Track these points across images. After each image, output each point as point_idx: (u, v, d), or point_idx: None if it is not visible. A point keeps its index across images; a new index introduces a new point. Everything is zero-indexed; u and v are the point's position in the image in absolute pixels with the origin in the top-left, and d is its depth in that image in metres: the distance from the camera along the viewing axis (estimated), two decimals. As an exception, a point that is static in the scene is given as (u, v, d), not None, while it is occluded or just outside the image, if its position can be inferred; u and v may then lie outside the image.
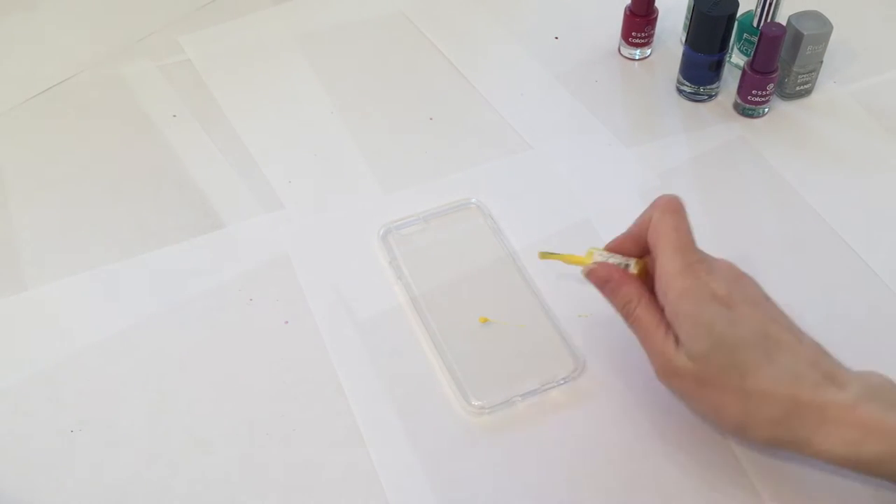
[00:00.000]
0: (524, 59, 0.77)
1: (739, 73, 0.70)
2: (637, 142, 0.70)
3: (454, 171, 0.69)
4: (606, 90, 0.74)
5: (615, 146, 0.70)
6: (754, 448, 0.52)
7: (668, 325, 0.48)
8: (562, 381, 0.56)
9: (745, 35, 0.72)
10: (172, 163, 0.70)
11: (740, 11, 0.69)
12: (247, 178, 0.69)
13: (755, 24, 0.71)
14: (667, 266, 0.48)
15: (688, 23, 0.73)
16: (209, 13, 0.82)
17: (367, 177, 0.69)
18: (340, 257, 0.63)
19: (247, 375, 0.57)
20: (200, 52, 0.79)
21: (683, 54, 0.71)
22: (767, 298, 0.49)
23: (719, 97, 0.73)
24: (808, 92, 0.73)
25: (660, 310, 0.49)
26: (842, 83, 0.74)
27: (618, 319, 0.59)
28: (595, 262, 0.53)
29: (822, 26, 0.68)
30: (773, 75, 0.68)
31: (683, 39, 0.75)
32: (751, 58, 0.68)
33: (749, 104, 0.71)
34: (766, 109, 0.72)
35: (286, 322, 0.60)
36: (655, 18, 0.75)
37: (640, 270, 0.52)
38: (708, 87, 0.72)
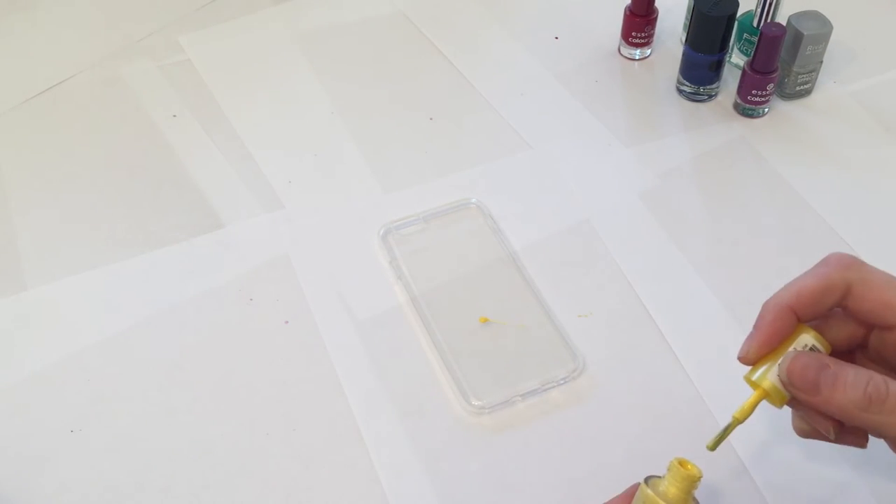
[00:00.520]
0: (524, 59, 0.77)
1: (739, 73, 0.70)
2: (637, 142, 0.70)
3: (454, 171, 0.69)
4: (606, 90, 0.74)
5: (615, 146, 0.70)
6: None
7: None
8: (562, 381, 0.56)
9: (745, 35, 0.72)
10: (172, 163, 0.70)
11: (740, 11, 0.69)
12: (247, 178, 0.69)
13: (755, 24, 0.71)
14: None
15: (688, 23, 0.73)
16: (209, 13, 0.82)
17: (367, 177, 0.69)
18: (340, 257, 0.63)
19: (247, 375, 0.57)
20: (200, 52, 0.79)
21: (683, 54, 0.71)
22: None
23: (719, 97, 0.73)
24: (808, 92, 0.73)
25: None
26: (842, 83, 0.74)
27: (617, 319, 0.59)
28: (782, 363, 0.39)
29: (822, 26, 0.68)
30: (773, 75, 0.68)
31: (683, 39, 0.75)
32: (751, 58, 0.68)
33: (749, 104, 0.71)
34: (766, 109, 0.72)
35: (286, 322, 0.60)
36: (655, 18, 0.75)
37: (826, 347, 0.41)
38: (708, 87, 0.72)
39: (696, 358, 0.57)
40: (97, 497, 0.52)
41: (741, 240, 0.64)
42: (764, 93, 0.69)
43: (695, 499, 0.42)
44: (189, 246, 0.64)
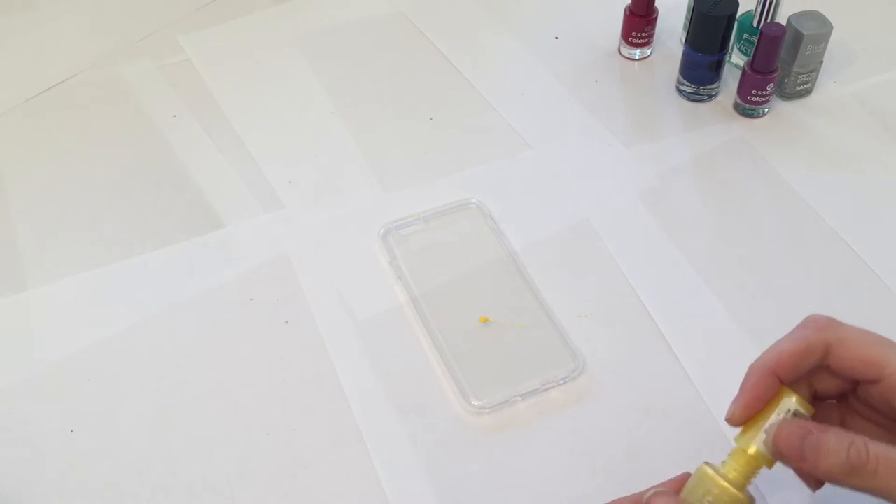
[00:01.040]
0: (524, 59, 0.77)
1: (739, 73, 0.70)
2: (637, 142, 0.70)
3: (454, 171, 0.69)
4: (606, 90, 0.74)
5: (615, 146, 0.70)
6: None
7: None
8: (562, 381, 0.56)
9: (745, 35, 0.72)
10: (172, 163, 0.70)
11: (740, 11, 0.69)
12: (247, 178, 0.69)
13: (755, 24, 0.71)
14: None
15: (688, 23, 0.73)
16: (209, 13, 0.82)
17: (368, 177, 0.69)
18: (340, 257, 0.63)
19: (247, 375, 0.57)
20: (200, 52, 0.79)
21: (683, 54, 0.71)
22: None
23: (719, 97, 0.73)
24: (808, 92, 0.73)
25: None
26: (842, 83, 0.74)
27: (617, 319, 0.59)
28: (768, 430, 0.41)
29: (822, 26, 0.68)
30: (773, 75, 0.68)
31: (683, 39, 0.75)
32: (751, 58, 0.68)
33: (749, 104, 0.71)
34: (766, 109, 0.72)
35: (286, 322, 0.60)
36: (655, 18, 0.75)
37: (808, 409, 0.42)
38: (708, 87, 0.72)
39: (696, 358, 0.57)
40: (97, 497, 0.52)
41: (741, 240, 0.64)
42: (764, 93, 0.69)
43: (750, 495, 0.42)
44: (189, 246, 0.64)
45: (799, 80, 0.71)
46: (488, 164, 0.69)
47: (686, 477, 0.43)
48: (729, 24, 0.68)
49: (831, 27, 0.68)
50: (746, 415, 0.42)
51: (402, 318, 0.60)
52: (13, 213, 0.67)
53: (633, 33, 0.75)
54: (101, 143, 0.72)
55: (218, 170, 0.69)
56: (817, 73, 0.71)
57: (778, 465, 0.42)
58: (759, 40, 0.67)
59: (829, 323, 0.43)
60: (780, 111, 0.72)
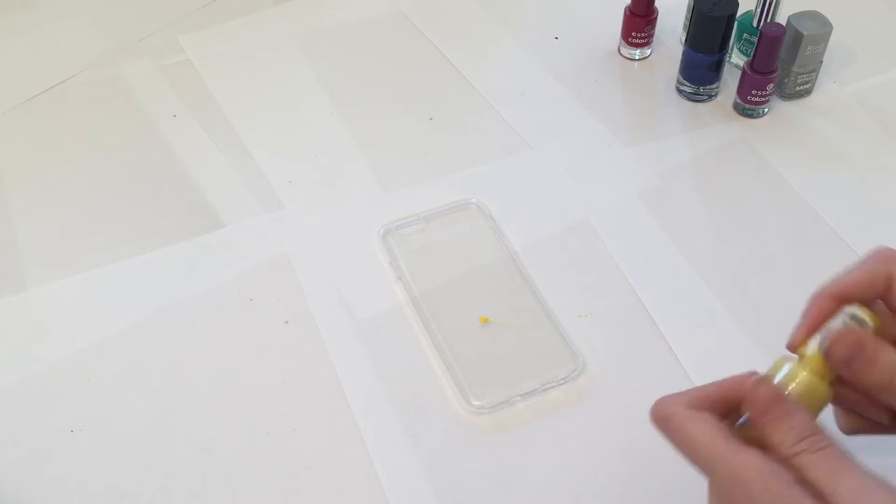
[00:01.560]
0: (524, 59, 0.78)
1: (739, 73, 0.70)
2: (637, 142, 0.70)
3: (454, 171, 0.69)
4: (606, 90, 0.74)
5: (615, 146, 0.70)
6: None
7: None
8: (562, 381, 0.56)
9: (745, 35, 0.72)
10: (172, 163, 0.70)
11: (740, 11, 0.69)
12: (247, 178, 0.69)
13: (755, 24, 0.71)
14: None
15: (688, 23, 0.73)
16: (209, 13, 0.82)
17: (367, 177, 0.69)
18: (340, 257, 0.63)
19: (247, 375, 0.57)
20: (200, 52, 0.79)
21: (683, 54, 0.71)
22: None
23: (719, 97, 0.73)
24: (807, 92, 0.73)
25: None
26: (842, 83, 0.74)
27: (617, 319, 0.59)
28: (830, 336, 0.40)
29: (822, 26, 0.68)
30: (773, 75, 0.68)
31: (683, 39, 0.75)
32: (751, 58, 0.68)
33: (749, 104, 0.71)
34: (766, 109, 0.72)
35: (286, 322, 0.60)
36: (655, 18, 0.75)
37: (877, 326, 0.41)
38: (708, 87, 0.72)
39: (696, 358, 0.57)
40: (97, 497, 0.52)
41: (741, 240, 0.64)
42: (764, 93, 0.69)
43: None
44: (189, 246, 0.64)
45: (799, 81, 0.71)
46: (488, 164, 0.69)
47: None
48: (729, 24, 0.68)
49: (831, 27, 0.68)
50: (807, 334, 0.41)
51: (402, 318, 0.60)
52: (13, 213, 0.67)
53: (633, 33, 0.75)
54: (101, 143, 0.72)
55: (218, 170, 0.69)
56: (817, 74, 0.71)
57: None
58: (759, 40, 0.67)
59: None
60: (780, 111, 0.72)
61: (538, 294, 0.60)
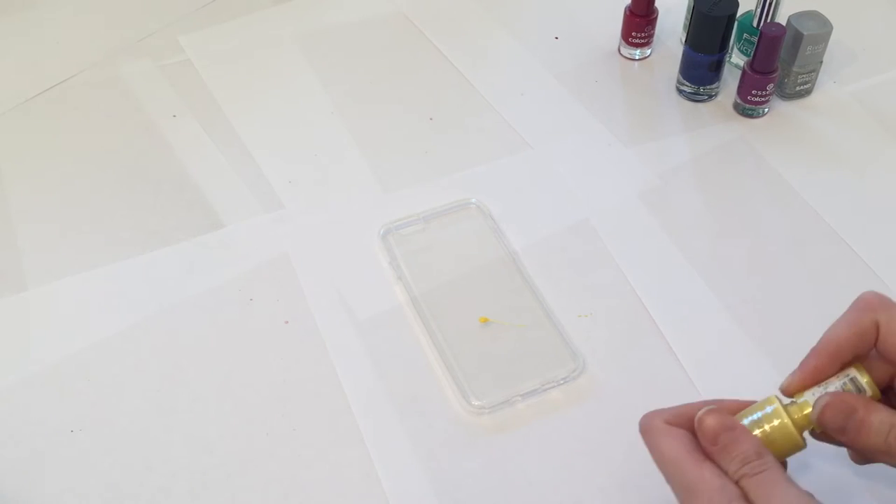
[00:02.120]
0: (524, 59, 0.77)
1: (739, 73, 0.70)
2: (637, 142, 0.70)
3: (454, 171, 0.69)
4: (606, 90, 0.74)
5: (615, 146, 0.70)
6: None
7: None
8: (562, 381, 0.56)
9: (745, 35, 0.72)
10: (172, 163, 0.70)
11: (740, 11, 0.69)
12: (247, 178, 0.69)
13: (755, 24, 0.71)
14: None
15: (688, 23, 0.73)
16: (209, 13, 0.82)
17: (367, 177, 0.69)
18: (340, 257, 0.63)
19: (247, 375, 0.57)
20: (200, 52, 0.79)
21: (683, 54, 0.71)
22: None
23: (719, 97, 0.73)
24: (807, 92, 0.73)
25: None
26: (842, 83, 0.74)
27: (617, 319, 0.59)
28: (822, 397, 0.41)
29: (822, 26, 0.68)
30: (773, 75, 0.68)
31: (683, 39, 0.75)
32: (751, 58, 0.68)
33: (749, 104, 0.71)
34: (766, 109, 0.72)
35: (286, 322, 0.60)
36: (655, 18, 0.75)
37: (874, 390, 0.42)
38: (708, 87, 0.72)
39: (695, 358, 0.57)
40: (97, 497, 0.52)
41: (741, 240, 0.64)
42: (764, 93, 0.69)
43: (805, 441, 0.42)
44: (189, 246, 0.64)
45: (799, 81, 0.71)
46: (488, 164, 0.69)
47: (739, 405, 0.44)
48: (729, 24, 0.68)
49: (831, 27, 0.68)
50: (801, 387, 0.43)
51: (402, 318, 0.60)
52: (13, 213, 0.67)
53: (633, 33, 0.75)
54: (101, 143, 0.72)
55: (218, 170, 0.69)
56: (817, 74, 0.71)
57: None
58: (759, 40, 0.67)
59: (880, 302, 0.42)
60: (780, 111, 0.72)
61: (538, 294, 0.60)
